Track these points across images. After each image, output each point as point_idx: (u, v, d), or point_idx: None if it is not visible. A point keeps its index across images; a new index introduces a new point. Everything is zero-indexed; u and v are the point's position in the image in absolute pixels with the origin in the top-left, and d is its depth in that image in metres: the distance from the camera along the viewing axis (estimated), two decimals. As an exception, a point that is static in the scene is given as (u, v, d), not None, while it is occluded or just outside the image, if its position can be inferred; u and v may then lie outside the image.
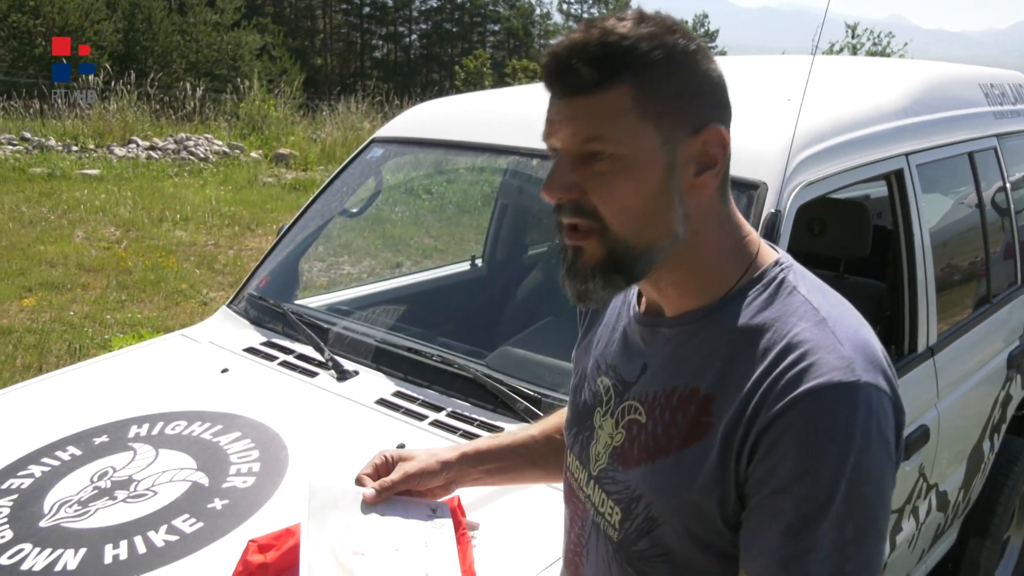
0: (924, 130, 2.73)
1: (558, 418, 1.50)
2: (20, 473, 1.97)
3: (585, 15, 56.85)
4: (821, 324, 1.02)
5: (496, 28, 58.51)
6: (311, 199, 3.07)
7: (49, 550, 1.69)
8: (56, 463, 2.00)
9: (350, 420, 2.16)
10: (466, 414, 2.14)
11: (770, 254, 1.13)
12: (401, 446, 2.00)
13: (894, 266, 2.61)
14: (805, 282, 1.09)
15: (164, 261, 7.91)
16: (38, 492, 1.89)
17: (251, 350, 2.53)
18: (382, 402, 2.22)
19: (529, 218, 3.65)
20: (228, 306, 2.82)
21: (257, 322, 2.69)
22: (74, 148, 13.54)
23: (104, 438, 2.10)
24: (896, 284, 2.60)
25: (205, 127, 16.57)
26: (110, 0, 30.75)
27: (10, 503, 1.86)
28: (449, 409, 2.17)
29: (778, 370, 0.99)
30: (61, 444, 2.08)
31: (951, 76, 3.26)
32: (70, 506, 1.83)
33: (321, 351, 2.43)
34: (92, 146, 13.84)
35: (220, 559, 1.63)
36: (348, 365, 2.38)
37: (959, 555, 3.10)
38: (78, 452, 2.04)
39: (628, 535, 1.12)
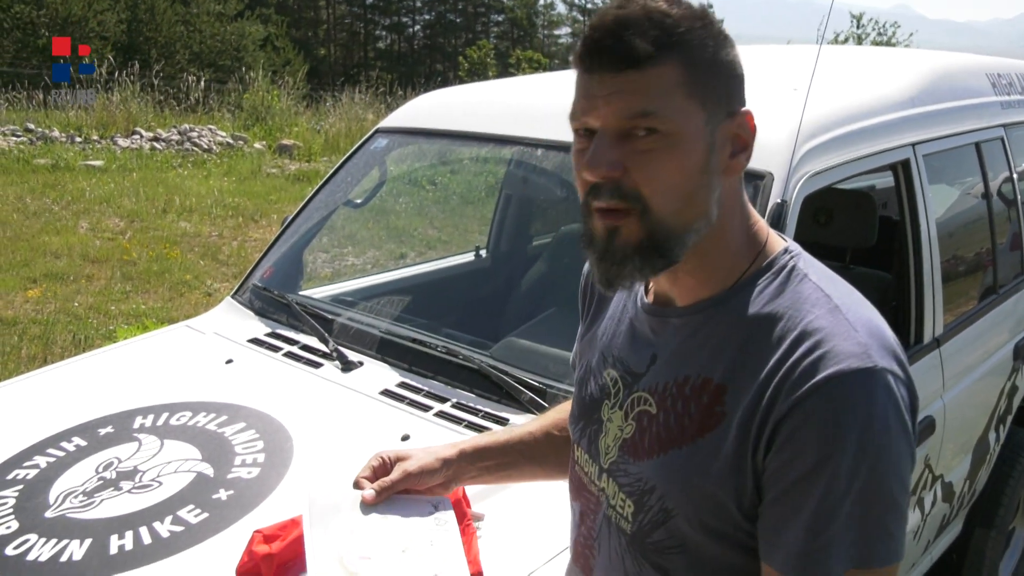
0: (931, 120, 2.72)
1: (556, 414, 1.50)
2: (25, 464, 1.97)
3: (590, 5, 56.68)
4: (834, 311, 1.02)
5: (500, 18, 58.37)
6: (315, 190, 3.07)
7: (54, 540, 1.69)
8: (61, 454, 2.00)
9: (355, 411, 2.15)
10: (471, 405, 2.14)
11: (779, 242, 1.13)
12: (406, 437, 2.00)
13: (900, 257, 2.60)
14: (815, 270, 1.09)
15: (168, 252, 7.91)
16: (43, 483, 1.89)
17: (255, 341, 2.53)
18: (387, 393, 2.21)
19: (533, 209, 3.64)
20: (232, 297, 2.82)
21: (261, 313, 2.68)
22: (78, 139, 13.55)
23: (109, 429, 2.10)
24: (902, 275, 2.59)
25: (209, 118, 16.57)
26: (113, -9, 30.73)
27: (15, 494, 1.86)
28: (454, 400, 2.16)
29: (794, 358, 0.99)
30: (66, 435, 2.08)
31: (958, 66, 3.25)
32: (75, 497, 1.83)
33: (325, 342, 2.43)
34: (96, 137, 13.85)
35: (225, 550, 1.63)
36: (353, 356, 2.38)
37: (964, 546, 3.10)
38: (83, 443, 2.04)
39: (642, 527, 1.11)
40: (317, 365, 2.36)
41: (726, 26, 1.10)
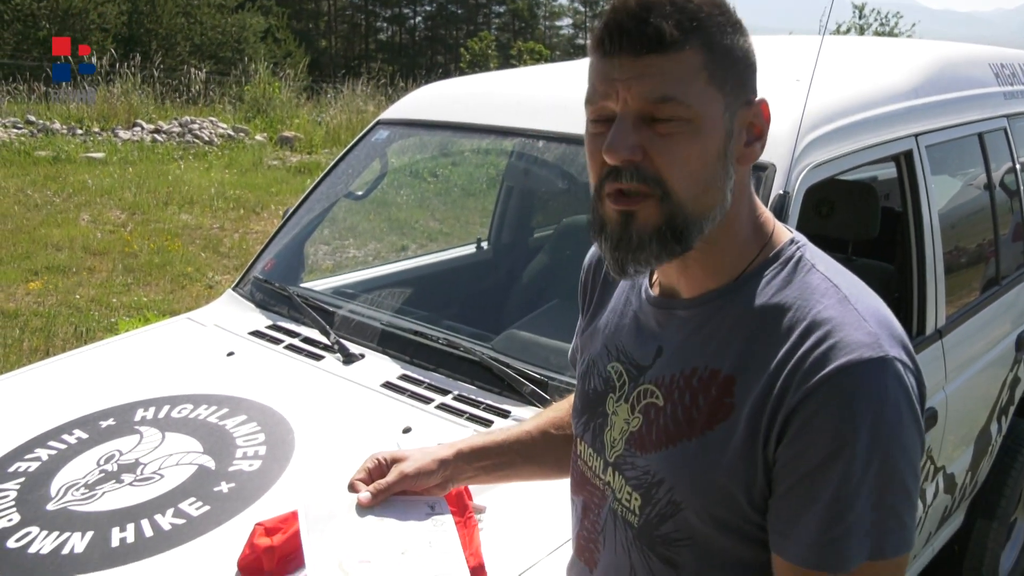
0: (934, 110, 2.71)
1: (553, 413, 1.49)
2: (27, 456, 1.97)
3: (591, -4, 56.52)
4: (843, 301, 1.02)
5: (501, 10, 58.23)
6: (316, 182, 3.06)
7: (56, 533, 1.69)
8: (63, 446, 2.00)
9: (356, 403, 2.15)
10: (472, 397, 2.13)
11: (785, 233, 1.12)
12: (407, 430, 2.00)
13: (902, 248, 2.59)
14: (821, 260, 1.09)
15: (170, 244, 7.91)
16: (45, 475, 1.89)
17: (257, 333, 2.53)
18: (388, 385, 2.21)
19: (535, 200, 3.63)
20: (233, 289, 2.82)
21: (263, 305, 2.68)
22: (79, 131, 13.53)
23: (111, 421, 2.10)
24: (904, 266, 2.58)
25: (210, 110, 16.55)
26: (114, -18, 30.65)
27: (17, 486, 1.86)
28: (455, 392, 2.16)
29: (804, 348, 0.98)
30: (68, 427, 2.08)
31: (961, 56, 3.23)
32: (77, 489, 1.83)
33: (327, 334, 2.42)
34: (97, 129, 13.84)
35: (227, 542, 1.63)
36: (354, 348, 2.37)
37: (965, 537, 3.10)
38: (85, 435, 2.04)
39: (649, 520, 1.11)
40: (318, 357, 2.36)
41: (729, 17, 1.08)
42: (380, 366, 2.31)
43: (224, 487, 1.83)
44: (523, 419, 1.75)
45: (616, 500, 1.16)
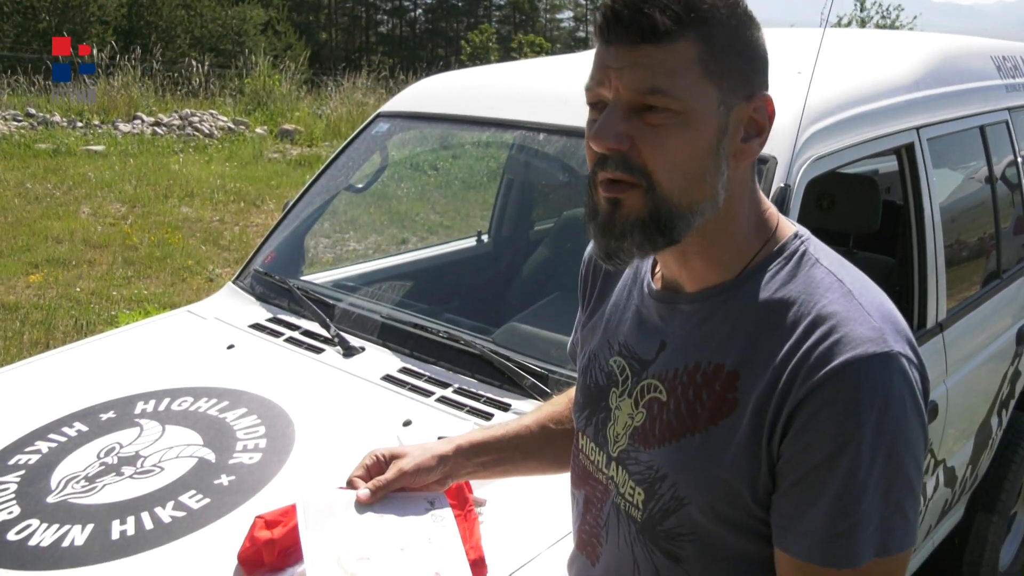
0: (935, 103, 2.70)
1: (551, 407, 1.49)
2: (27, 449, 1.97)
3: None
4: (848, 296, 1.01)
5: (502, 2, 58.12)
6: (316, 175, 3.06)
7: (56, 526, 1.69)
8: (63, 439, 2.00)
9: (356, 396, 2.15)
10: (473, 390, 2.13)
11: (789, 227, 1.12)
12: (407, 423, 2.00)
13: (904, 241, 2.59)
14: (825, 255, 1.08)
15: (170, 237, 7.91)
16: (45, 468, 1.89)
17: (257, 326, 2.53)
18: (388, 378, 2.21)
19: (536, 193, 3.62)
20: (234, 282, 2.81)
21: (263, 298, 2.68)
22: (79, 124, 13.52)
23: (111, 414, 2.10)
24: (905, 259, 2.58)
25: (210, 103, 16.52)
26: (114, -26, 30.59)
27: (17, 479, 1.86)
28: (456, 385, 2.16)
29: (809, 343, 0.98)
30: (68, 420, 2.08)
31: (963, 48, 3.22)
32: (77, 482, 1.83)
33: (327, 327, 2.42)
34: (97, 122, 13.83)
35: (227, 535, 1.63)
36: (354, 341, 2.37)
37: (965, 531, 3.10)
38: (85, 428, 2.04)
39: (653, 515, 1.11)
40: (318, 350, 2.36)
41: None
42: (380, 359, 2.30)
43: (224, 480, 1.83)
44: (523, 412, 1.75)
45: (619, 495, 1.16)
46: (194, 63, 17.45)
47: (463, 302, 2.95)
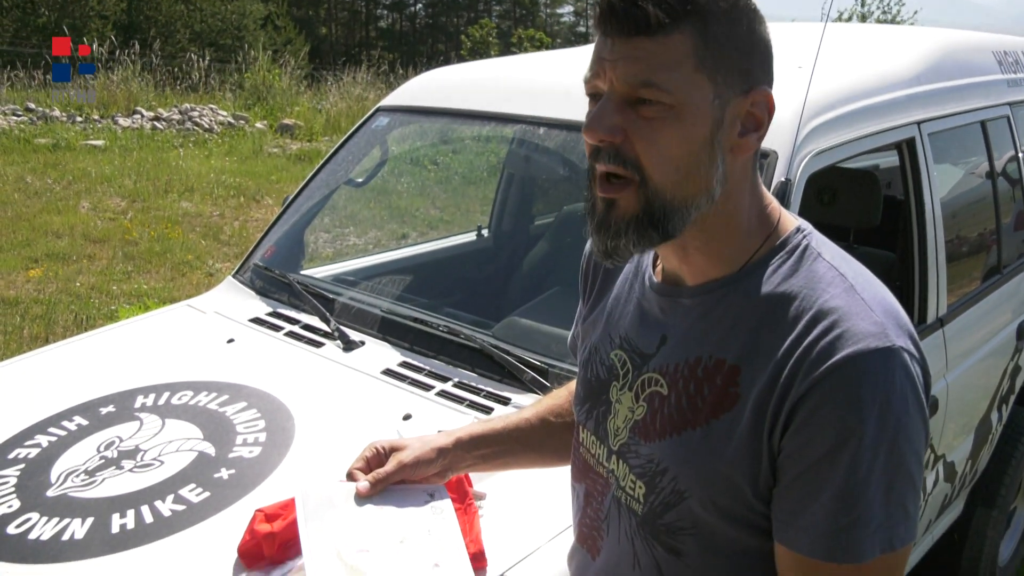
0: (936, 98, 2.70)
1: (551, 400, 1.48)
2: (27, 443, 1.97)
3: (592, -16, 56.22)
4: (850, 291, 1.01)
5: (502, -3, 58.02)
6: (316, 169, 3.05)
7: (56, 519, 1.69)
8: (63, 433, 2.00)
9: (356, 390, 2.15)
10: (473, 384, 2.13)
11: (791, 222, 1.11)
12: (407, 417, 2.00)
13: (904, 236, 2.59)
14: (827, 249, 1.08)
15: (170, 232, 7.90)
16: (45, 462, 1.89)
17: (257, 320, 2.53)
18: (388, 372, 2.21)
19: (536, 188, 3.62)
20: (234, 276, 2.81)
21: (263, 292, 2.68)
22: (78, 119, 13.50)
23: (111, 408, 2.10)
24: (906, 254, 2.58)
25: (210, 97, 16.51)
26: (113, -31, 30.51)
27: (17, 472, 1.86)
28: (456, 379, 2.16)
29: (811, 338, 0.98)
30: (68, 414, 2.08)
31: (964, 43, 3.22)
32: (77, 476, 1.83)
33: (327, 321, 2.42)
34: (97, 117, 13.81)
35: (227, 528, 1.63)
36: (354, 335, 2.37)
37: (965, 526, 3.10)
38: (85, 422, 2.04)
39: (653, 508, 1.10)
40: (318, 344, 2.36)
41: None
42: (380, 353, 2.30)
43: (224, 473, 1.83)
44: (523, 406, 1.75)
45: (620, 488, 1.16)
46: (194, 58, 17.42)
47: (463, 296, 2.95)
